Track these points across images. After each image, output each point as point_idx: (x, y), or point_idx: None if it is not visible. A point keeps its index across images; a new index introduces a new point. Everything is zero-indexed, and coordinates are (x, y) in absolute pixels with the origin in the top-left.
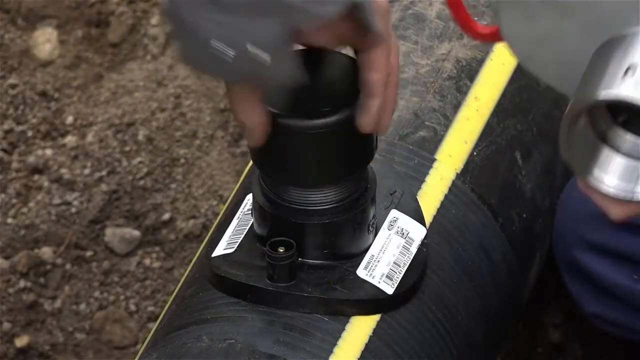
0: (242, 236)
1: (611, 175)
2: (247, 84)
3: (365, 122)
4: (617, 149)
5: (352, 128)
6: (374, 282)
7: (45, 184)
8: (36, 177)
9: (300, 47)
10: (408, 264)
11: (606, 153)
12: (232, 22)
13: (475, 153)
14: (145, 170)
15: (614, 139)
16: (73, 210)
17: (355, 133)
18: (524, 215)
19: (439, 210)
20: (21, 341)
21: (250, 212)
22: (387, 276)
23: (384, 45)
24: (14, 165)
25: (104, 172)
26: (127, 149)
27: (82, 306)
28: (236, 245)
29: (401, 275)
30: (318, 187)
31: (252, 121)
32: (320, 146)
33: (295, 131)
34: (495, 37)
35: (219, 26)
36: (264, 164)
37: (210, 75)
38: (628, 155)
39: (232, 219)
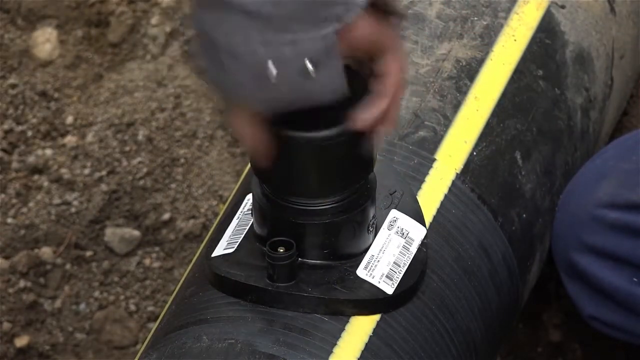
0: (242, 236)
1: None
2: (287, 105)
3: (366, 117)
4: None
5: (353, 140)
6: (374, 282)
7: (45, 184)
8: (36, 177)
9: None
10: (408, 264)
11: None
12: (268, 37)
13: (475, 153)
14: (145, 170)
15: None
16: (73, 210)
17: (356, 144)
18: (524, 215)
19: (439, 210)
20: (21, 341)
21: (250, 212)
22: (387, 276)
23: (397, 50)
24: (14, 165)
25: (104, 172)
26: (127, 149)
27: (82, 306)
28: (236, 245)
29: (401, 275)
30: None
31: (256, 142)
32: (321, 158)
33: (297, 143)
34: None
35: (267, 45)
36: (266, 176)
37: (250, 102)
38: None
39: (232, 219)
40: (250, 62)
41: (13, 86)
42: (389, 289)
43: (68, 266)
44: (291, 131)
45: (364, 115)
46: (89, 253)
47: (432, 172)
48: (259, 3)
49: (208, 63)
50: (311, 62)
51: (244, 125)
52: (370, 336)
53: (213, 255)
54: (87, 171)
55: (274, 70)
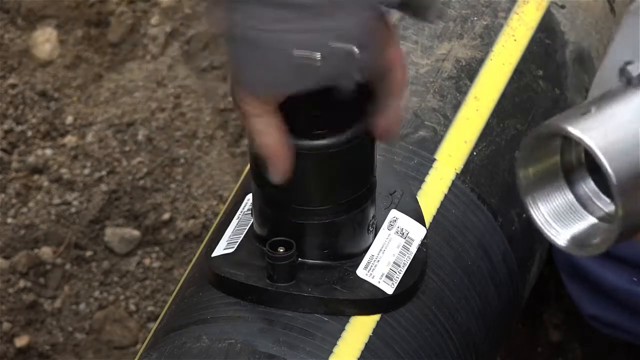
0: (242, 236)
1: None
2: (333, 83)
3: (384, 122)
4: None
5: (354, 148)
6: (374, 282)
7: (45, 184)
8: (36, 177)
9: None
10: (408, 264)
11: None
12: (310, 25)
13: (475, 153)
14: (145, 170)
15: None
16: (73, 210)
17: (357, 152)
18: (524, 215)
19: (438, 210)
20: (21, 341)
21: (250, 212)
22: (387, 276)
23: (397, 42)
24: (14, 165)
25: (103, 172)
26: (127, 149)
27: (82, 306)
28: (236, 245)
29: (401, 275)
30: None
31: (278, 151)
32: (320, 168)
33: (300, 152)
34: None
35: (298, 33)
36: (266, 185)
37: (286, 90)
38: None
39: (232, 219)
40: (289, 52)
41: (13, 86)
42: (389, 289)
43: (68, 266)
44: (294, 139)
45: (383, 121)
46: (89, 253)
47: (432, 172)
48: None
49: (234, 60)
50: (357, 43)
51: (266, 133)
52: (370, 336)
53: (213, 255)
54: (87, 171)
55: (317, 56)
